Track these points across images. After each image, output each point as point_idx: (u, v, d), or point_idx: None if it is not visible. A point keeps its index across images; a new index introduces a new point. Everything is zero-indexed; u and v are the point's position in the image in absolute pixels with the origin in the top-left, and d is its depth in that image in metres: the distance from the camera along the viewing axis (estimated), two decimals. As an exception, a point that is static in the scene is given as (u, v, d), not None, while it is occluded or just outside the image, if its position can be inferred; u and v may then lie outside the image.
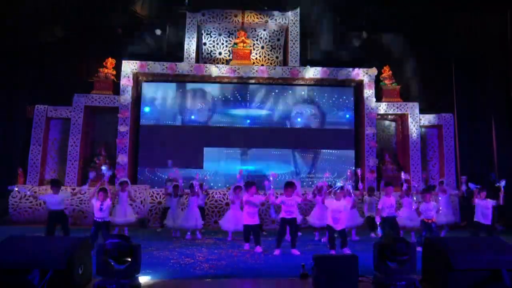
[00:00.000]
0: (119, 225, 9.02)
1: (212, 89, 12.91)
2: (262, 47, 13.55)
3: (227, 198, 11.00)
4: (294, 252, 7.17)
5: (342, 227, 7.25)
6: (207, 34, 13.44)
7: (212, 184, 11.98)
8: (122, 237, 4.92)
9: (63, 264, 4.46)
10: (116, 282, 4.46)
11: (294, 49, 12.90)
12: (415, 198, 8.50)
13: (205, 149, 12.65)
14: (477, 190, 7.96)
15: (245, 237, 7.79)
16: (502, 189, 7.93)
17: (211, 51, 13.49)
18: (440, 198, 9.47)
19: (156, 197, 11.17)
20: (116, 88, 12.35)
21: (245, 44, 12.95)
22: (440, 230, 9.01)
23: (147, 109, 12.77)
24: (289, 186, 7.41)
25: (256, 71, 12.45)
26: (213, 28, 13.35)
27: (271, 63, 13.42)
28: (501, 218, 11.14)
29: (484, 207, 7.75)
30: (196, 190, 8.86)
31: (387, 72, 12.90)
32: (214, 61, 13.33)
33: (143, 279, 5.20)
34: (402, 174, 8.86)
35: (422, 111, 12.55)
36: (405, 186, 8.60)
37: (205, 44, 13.48)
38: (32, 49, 11.72)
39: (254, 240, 7.52)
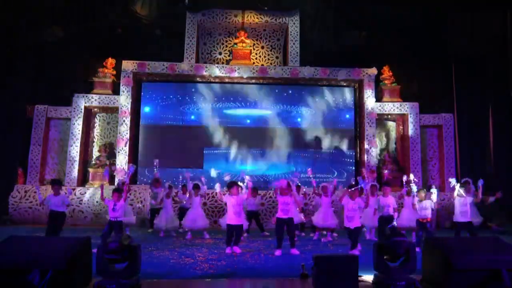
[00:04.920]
0: None
1: (212, 89, 12.91)
2: (262, 47, 13.55)
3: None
4: (293, 251, 7.16)
5: (356, 225, 7.32)
6: (207, 34, 13.45)
7: (212, 184, 11.96)
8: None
9: (63, 264, 4.45)
10: (116, 282, 4.45)
11: (294, 49, 12.90)
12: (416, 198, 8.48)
13: (205, 149, 12.66)
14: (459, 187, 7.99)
15: (228, 239, 7.36)
16: (480, 187, 7.96)
17: (211, 51, 13.49)
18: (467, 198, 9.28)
19: (156, 197, 11.17)
20: (116, 88, 12.35)
21: (245, 44, 12.96)
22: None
23: (147, 109, 12.77)
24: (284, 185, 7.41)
25: (256, 71, 12.44)
26: (213, 28, 13.36)
27: (271, 63, 13.42)
28: (498, 218, 11.17)
29: (462, 205, 7.76)
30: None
31: (387, 72, 12.91)
32: (214, 61, 13.32)
33: (143, 279, 5.20)
34: (404, 176, 8.90)
35: (422, 111, 12.54)
36: (405, 187, 8.65)
37: (205, 44, 13.48)
38: (32, 49, 11.73)
39: (235, 240, 7.36)
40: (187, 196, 9.32)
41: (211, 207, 10.85)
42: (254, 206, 9.55)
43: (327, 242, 8.58)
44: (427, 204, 7.81)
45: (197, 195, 9.03)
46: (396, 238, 4.85)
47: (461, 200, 7.79)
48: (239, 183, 7.95)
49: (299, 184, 9.65)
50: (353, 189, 7.54)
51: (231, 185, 7.58)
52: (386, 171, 10.40)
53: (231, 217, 7.42)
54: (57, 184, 7.99)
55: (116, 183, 10.23)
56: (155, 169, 10.18)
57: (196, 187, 9.08)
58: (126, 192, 7.79)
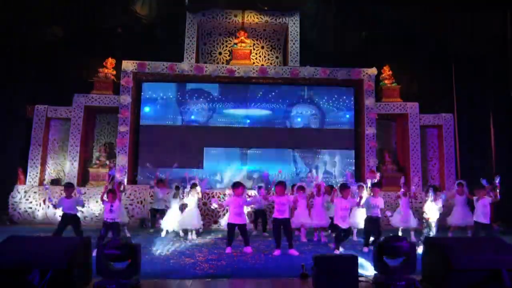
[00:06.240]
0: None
1: (212, 89, 12.90)
2: (262, 47, 13.55)
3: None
4: (292, 252, 7.15)
5: (348, 226, 7.39)
6: (207, 34, 13.44)
7: (212, 184, 11.99)
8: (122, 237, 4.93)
9: (63, 264, 4.46)
10: (116, 282, 4.46)
11: (294, 49, 12.90)
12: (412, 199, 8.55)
13: (205, 149, 12.65)
14: (488, 188, 8.07)
15: (229, 239, 7.37)
16: (497, 185, 8.02)
17: (211, 51, 13.48)
18: (457, 199, 9.42)
19: (156, 197, 11.16)
20: (116, 88, 12.34)
21: (245, 44, 12.95)
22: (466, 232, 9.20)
23: (147, 109, 12.77)
24: (279, 185, 7.41)
25: (256, 71, 12.44)
26: (213, 28, 13.35)
27: (271, 63, 13.41)
28: (498, 218, 11.16)
29: (483, 206, 7.84)
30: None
31: (387, 72, 12.89)
32: (214, 61, 13.32)
33: (143, 279, 5.20)
34: (402, 178, 8.98)
35: (422, 111, 12.54)
36: (403, 188, 8.74)
37: (205, 44, 13.48)
38: (32, 49, 11.72)
39: (244, 240, 7.44)
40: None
41: (210, 207, 10.81)
42: (262, 204, 9.54)
43: (327, 242, 8.58)
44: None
45: (194, 195, 9.01)
46: (395, 241, 4.86)
47: (482, 201, 7.86)
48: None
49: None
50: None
51: (237, 185, 7.58)
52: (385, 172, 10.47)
53: (232, 217, 7.46)
54: (68, 188, 8.04)
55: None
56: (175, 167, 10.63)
57: (194, 186, 9.06)
58: (120, 193, 7.84)
